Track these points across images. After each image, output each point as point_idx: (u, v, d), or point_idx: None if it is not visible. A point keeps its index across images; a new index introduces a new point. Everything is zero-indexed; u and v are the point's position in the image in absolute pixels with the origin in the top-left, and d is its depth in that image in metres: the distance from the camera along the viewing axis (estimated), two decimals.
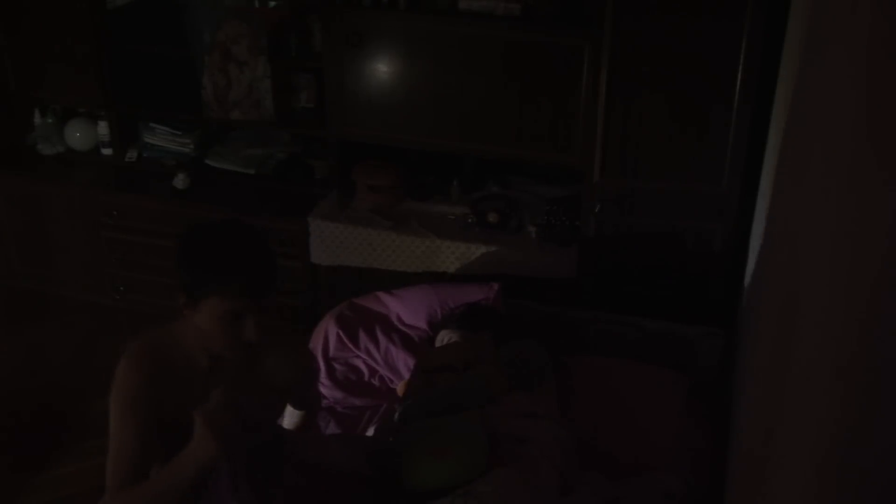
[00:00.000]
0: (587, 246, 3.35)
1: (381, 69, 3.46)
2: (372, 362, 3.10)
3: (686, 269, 3.26)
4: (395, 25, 3.39)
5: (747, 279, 2.91)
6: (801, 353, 1.39)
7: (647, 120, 3.09)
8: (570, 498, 2.35)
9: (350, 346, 3.13)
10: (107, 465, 1.93)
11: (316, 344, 3.15)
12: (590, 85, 3.14)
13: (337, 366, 3.11)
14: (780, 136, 2.47)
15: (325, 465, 2.16)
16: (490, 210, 3.57)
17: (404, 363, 3.03)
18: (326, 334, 3.16)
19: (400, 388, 2.94)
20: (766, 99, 2.92)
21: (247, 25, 3.70)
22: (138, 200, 3.97)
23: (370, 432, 2.78)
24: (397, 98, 3.48)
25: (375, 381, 3.09)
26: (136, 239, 4.00)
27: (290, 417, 2.36)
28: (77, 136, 4.21)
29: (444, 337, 2.94)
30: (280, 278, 1.99)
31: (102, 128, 4.13)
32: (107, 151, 4.17)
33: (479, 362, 2.72)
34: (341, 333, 3.14)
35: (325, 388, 3.02)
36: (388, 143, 3.61)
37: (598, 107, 3.12)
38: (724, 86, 2.97)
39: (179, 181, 3.94)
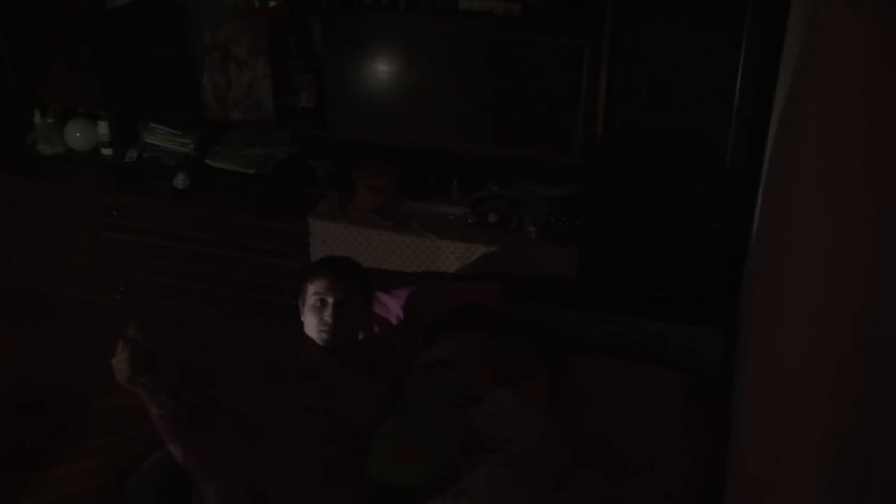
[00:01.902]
0: (587, 246, 3.35)
1: (381, 69, 3.46)
2: None
3: (686, 269, 3.25)
4: (395, 25, 3.39)
5: (747, 279, 2.91)
6: (800, 353, 1.40)
7: (647, 120, 3.09)
8: (567, 494, 2.35)
9: None
10: None
11: None
12: (590, 85, 3.14)
13: None
14: (780, 135, 2.47)
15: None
16: (490, 210, 3.57)
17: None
18: None
19: None
20: (767, 98, 2.92)
21: (247, 25, 3.70)
22: (138, 200, 3.97)
23: None
24: (397, 98, 3.48)
25: None
26: (136, 239, 4.00)
27: None
28: (77, 136, 4.21)
29: (442, 336, 2.94)
30: (367, 289, 2.74)
31: (102, 128, 4.13)
32: (107, 151, 4.17)
33: (472, 358, 2.72)
34: None
35: None
36: (388, 143, 3.61)
37: (598, 107, 3.11)
38: (724, 85, 2.96)
39: (179, 181, 3.94)
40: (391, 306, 3.23)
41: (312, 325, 2.65)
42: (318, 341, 2.63)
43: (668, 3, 2.94)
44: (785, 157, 2.20)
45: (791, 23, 2.67)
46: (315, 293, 2.64)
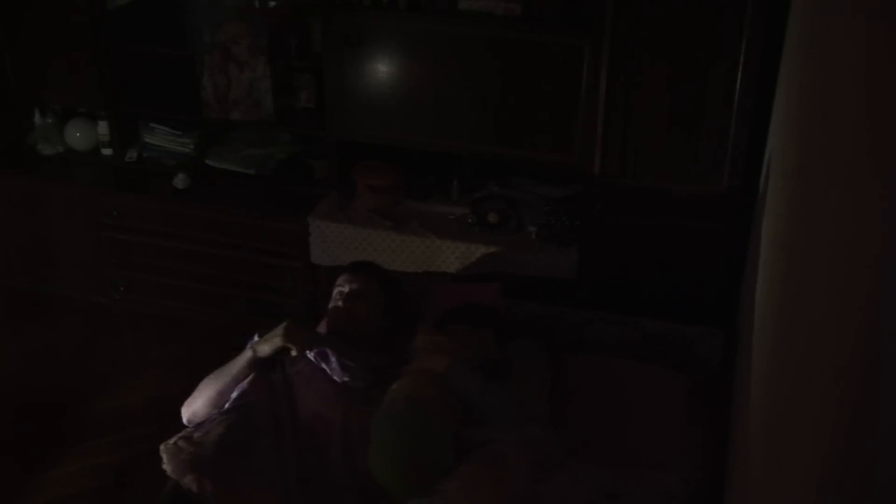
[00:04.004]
0: (587, 246, 3.35)
1: (381, 69, 3.46)
2: None
3: (686, 269, 3.26)
4: (395, 25, 3.39)
5: (747, 279, 2.91)
6: (801, 353, 1.40)
7: (647, 120, 3.09)
8: (548, 485, 2.35)
9: None
10: None
11: None
12: (590, 85, 3.14)
13: None
14: (780, 136, 2.47)
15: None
16: (490, 210, 3.57)
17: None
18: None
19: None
20: (767, 98, 2.92)
21: (247, 25, 3.70)
22: (138, 200, 3.97)
23: None
24: (397, 98, 3.48)
25: None
26: (136, 239, 4.00)
27: None
28: (77, 136, 4.21)
29: (451, 328, 2.93)
30: (390, 290, 2.90)
31: (102, 128, 4.13)
32: (107, 151, 4.17)
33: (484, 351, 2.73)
34: None
35: None
36: (388, 143, 3.61)
37: (598, 107, 3.12)
38: (725, 85, 2.97)
39: (179, 181, 3.93)
40: None
41: (329, 314, 2.85)
42: (331, 322, 2.83)
43: (667, 3, 2.94)
44: (786, 157, 2.20)
45: (791, 22, 2.67)
46: (336, 286, 2.87)
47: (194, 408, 2.61)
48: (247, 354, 2.60)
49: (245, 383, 2.55)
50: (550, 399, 2.76)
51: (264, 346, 2.59)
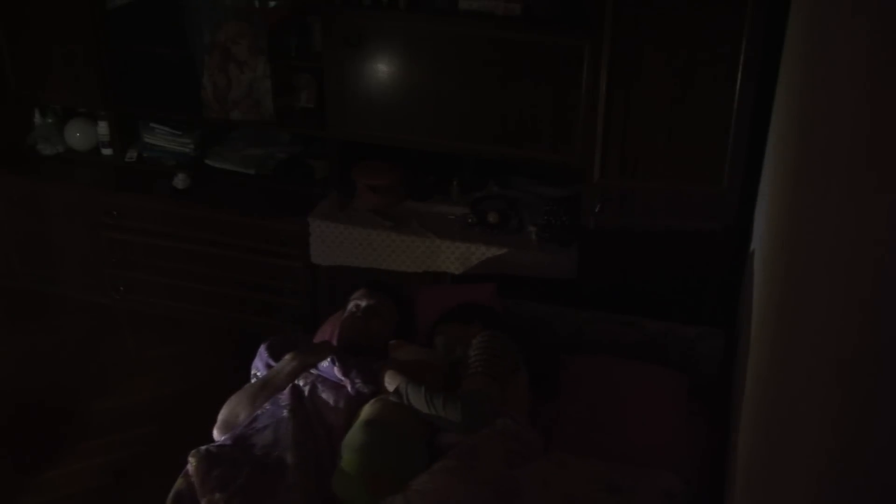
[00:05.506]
0: (587, 246, 3.35)
1: (381, 69, 3.46)
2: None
3: (686, 269, 3.25)
4: (395, 25, 3.39)
5: (747, 279, 2.91)
6: (801, 353, 1.40)
7: (647, 120, 3.09)
8: (527, 470, 2.35)
9: None
10: None
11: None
12: (590, 85, 3.14)
13: None
14: (780, 136, 2.47)
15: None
16: (490, 210, 3.57)
17: None
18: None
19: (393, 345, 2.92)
20: (767, 98, 2.92)
21: (247, 25, 3.70)
22: (138, 200, 3.97)
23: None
24: (397, 98, 3.48)
25: None
26: (136, 239, 4.00)
27: None
28: (77, 136, 4.21)
29: (439, 333, 2.93)
30: (403, 313, 2.99)
31: (102, 128, 4.13)
32: (107, 151, 4.17)
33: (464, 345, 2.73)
34: None
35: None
36: (388, 143, 3.61)
37: (598, 107, 3.12)
38: (724, 86, 2.97)
39: (179, 181, 3.94)
40: None
41: (343, 324, 2.90)
42: (345, 334, 2.87)
43: (667, 3, 2.94)
44: (786, 156, 2.20)
45: (791, 21, 2.67)
46: (353, 300, 2.96)
47: (239, 422, 2.58)
48: (291, 366, 2.65)
49: (283, 394, 2.58)
50: (543, 397, 2.77)
51: (311, 358, 2.66)
